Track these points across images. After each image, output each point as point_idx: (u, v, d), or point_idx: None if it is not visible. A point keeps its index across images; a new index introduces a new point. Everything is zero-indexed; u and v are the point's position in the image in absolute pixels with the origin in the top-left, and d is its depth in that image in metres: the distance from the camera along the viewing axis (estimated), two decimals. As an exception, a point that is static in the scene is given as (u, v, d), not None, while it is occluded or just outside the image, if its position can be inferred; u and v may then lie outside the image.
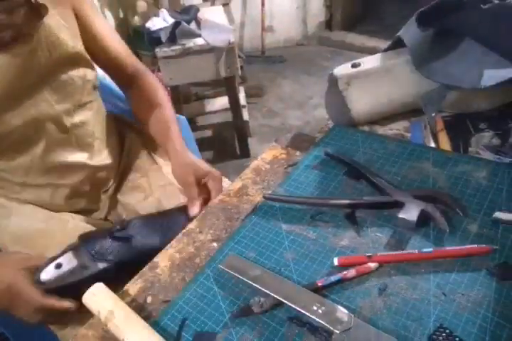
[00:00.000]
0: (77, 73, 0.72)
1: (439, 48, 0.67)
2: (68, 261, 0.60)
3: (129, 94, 0.90)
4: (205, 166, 0.74)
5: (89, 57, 0.75)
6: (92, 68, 0.77)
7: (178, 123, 0.82)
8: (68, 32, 0.69)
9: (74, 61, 0.71)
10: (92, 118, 0.78)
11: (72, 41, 0.69)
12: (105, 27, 0.81)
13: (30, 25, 0.62)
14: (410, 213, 0.51)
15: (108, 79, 0.90)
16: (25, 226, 0.74)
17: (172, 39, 1.63)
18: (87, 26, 0.76)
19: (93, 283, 0.50)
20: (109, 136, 0.84)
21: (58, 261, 0.60)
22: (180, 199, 0.79)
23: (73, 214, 0.79)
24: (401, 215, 0.51)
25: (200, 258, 0.54)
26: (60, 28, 0.67)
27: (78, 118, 0.74)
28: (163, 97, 0.86)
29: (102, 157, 0.81)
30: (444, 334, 0.40)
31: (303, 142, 0.71)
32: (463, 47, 0.66)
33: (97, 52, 0.78)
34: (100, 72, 0.84)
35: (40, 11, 0.62)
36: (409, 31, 0.67)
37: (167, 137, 0.79)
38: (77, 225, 0.76)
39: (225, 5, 2.25)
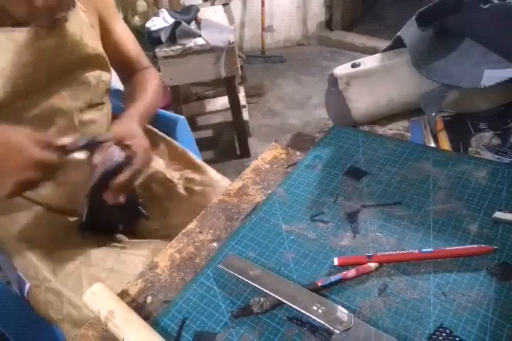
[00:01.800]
0: (93, 73, 0.74)
1: (439, 48, 0.67)
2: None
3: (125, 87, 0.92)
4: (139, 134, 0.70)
5: (107, 59, 0.77)
6: (108, 71, 0.79)
7: (154, 111, 0.82)
8: (90, 32, 0.71)
9: (93, 62, 0.74)
10: (100, 119, 0.79)
11: (93, 42, 0.71)
12: (125, 32, 0.83)
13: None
14: None
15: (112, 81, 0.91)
16: (25, 224, 0.74)
17: (172, 39, 1.63)
18: (108, 31, 0.78)
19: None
20: None
21: None
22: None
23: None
24: None
25: (200, 258, 0.54)
26: (83, 28, 0.69)
27: (87, 116, 0.76)
28: (152, 86, 0.85)
29: None
30: (444, 334, 0.40)
31: (303, 142, 0.71)
32: (463, 47, 0.66)
33: (109, 53, 0.79)
34: None
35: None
36: (409, 31, 0.67)
37: (132, 106, 0.76)
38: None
39: (225, 5, 2.25)
